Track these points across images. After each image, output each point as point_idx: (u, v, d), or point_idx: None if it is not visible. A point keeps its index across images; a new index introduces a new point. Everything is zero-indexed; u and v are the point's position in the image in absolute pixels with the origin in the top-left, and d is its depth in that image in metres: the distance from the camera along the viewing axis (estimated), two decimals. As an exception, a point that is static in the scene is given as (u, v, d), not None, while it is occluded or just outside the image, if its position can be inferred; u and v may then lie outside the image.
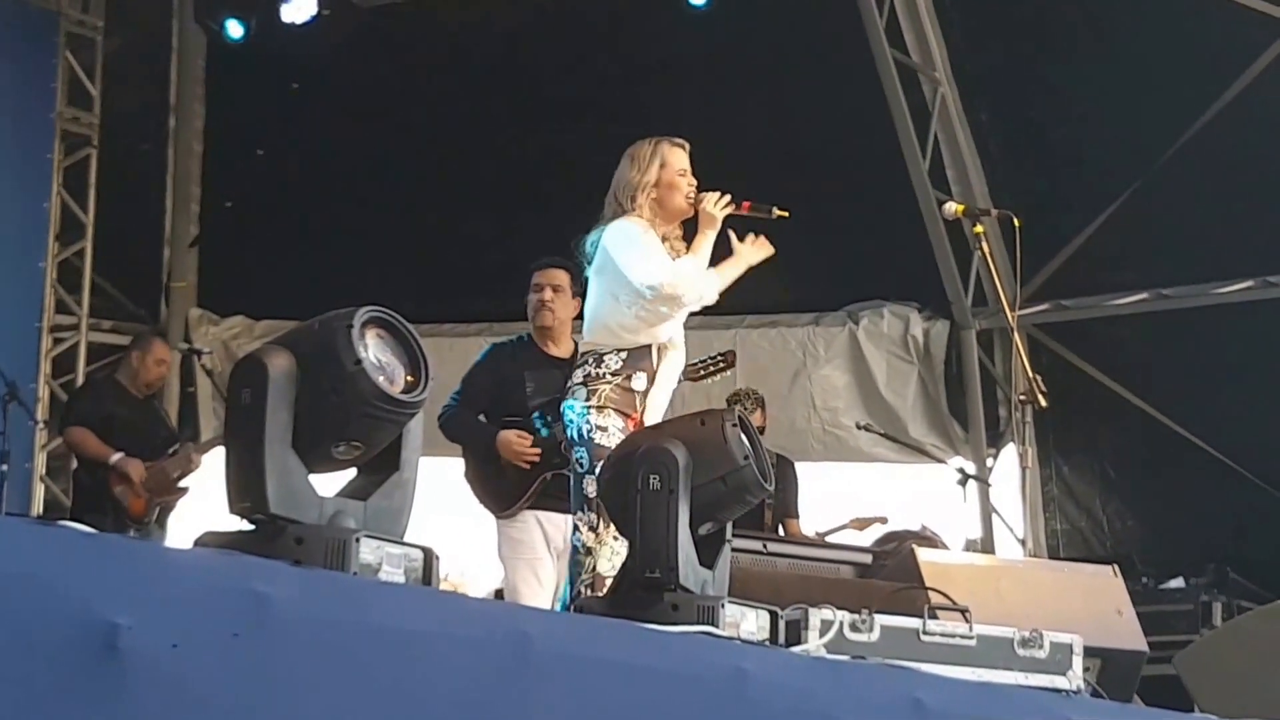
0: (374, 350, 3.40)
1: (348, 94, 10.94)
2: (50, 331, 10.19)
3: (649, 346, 5.45)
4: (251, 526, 3.28)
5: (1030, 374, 6.61)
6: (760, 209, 5.60)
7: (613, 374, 5.38)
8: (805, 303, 10.75)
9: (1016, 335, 6.84)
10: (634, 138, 5.72)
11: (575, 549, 5.39)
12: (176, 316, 11.36)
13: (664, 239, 5.54)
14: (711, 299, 5.56)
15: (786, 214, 5.56)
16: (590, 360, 5.43)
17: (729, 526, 4.35)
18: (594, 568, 5.25)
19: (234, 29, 10.24)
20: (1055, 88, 10.04)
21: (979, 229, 6.93)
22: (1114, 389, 10.16)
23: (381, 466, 3.52)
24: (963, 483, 8.78)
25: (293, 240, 11.15)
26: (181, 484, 8.08)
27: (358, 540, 3.24)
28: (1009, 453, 10.38)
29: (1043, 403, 6.54)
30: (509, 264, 10.22)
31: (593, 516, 5.29)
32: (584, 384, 5.38)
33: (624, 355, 5.41)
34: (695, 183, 5.60)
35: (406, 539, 3.45)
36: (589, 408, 5.34)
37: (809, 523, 8.68)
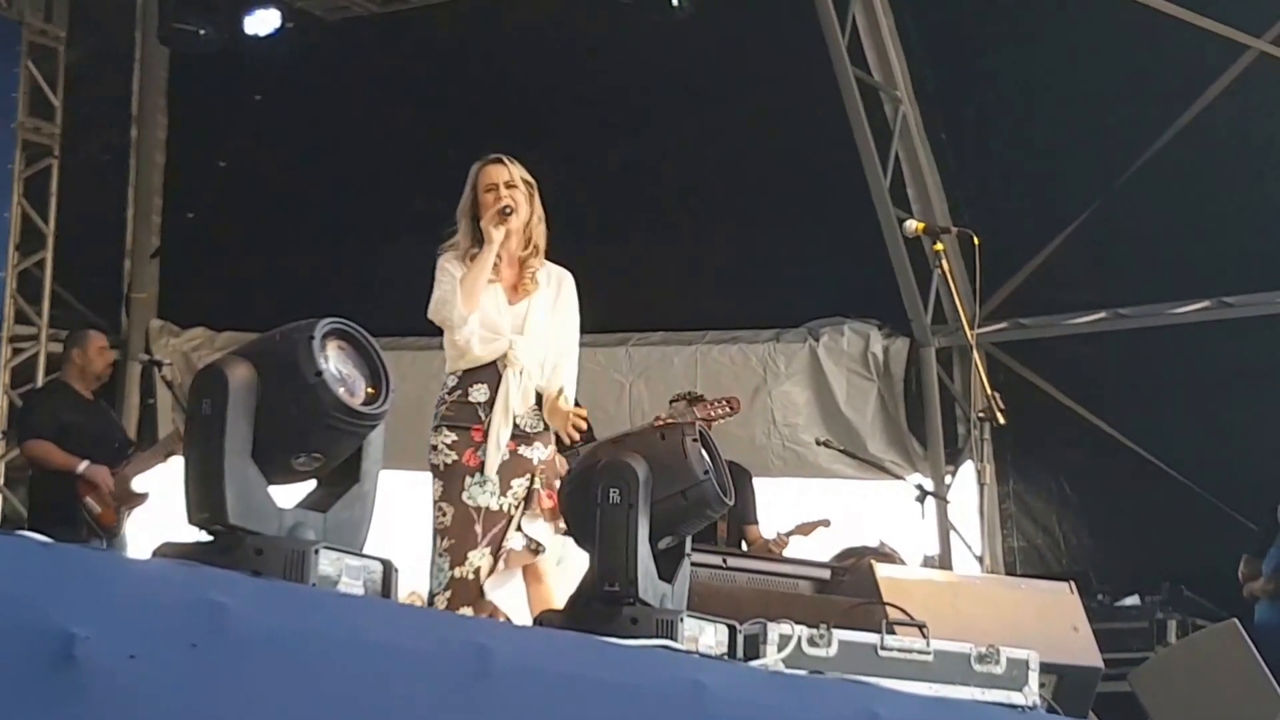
0: (335, 362, 3.40)
1: (311, 106, 10.92)
2: (10, 341, 10.13)
3: (491, 364, 5.42)
4: (210, 537, 3.28)
5: (989, 391, 6.64)
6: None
7: (449, 392, 5.44)
8: (766, 319, 10.77)
9: (976, 353, 6.87)
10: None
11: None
12: (137, 327, 11.32)
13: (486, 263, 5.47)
14: (474, 305, 5.41)
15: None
16: (443, 387, 5.47)
17: (688, 541, 4.37)
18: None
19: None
20: (1015, 107, 10.09)
21: (939, 247, 6.98)
22: (1072, 407, 10.20)
23: (341, 478, 3.52)
24: (921, 499, 8.79)
25: (255, 252, 11.12)
26: (140, 490, 8.03)
27: (317, 552, 3.24)
28: (967, 470, 10.42)
29: (1001, 420, 6.57)
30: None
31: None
32: (435, 410, 5.42)
33: (460, 374, 5.44)
34: (503, 197, 5.46)
35: (366, 551, 3.45)
36: (431, 431, 5.38)
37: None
